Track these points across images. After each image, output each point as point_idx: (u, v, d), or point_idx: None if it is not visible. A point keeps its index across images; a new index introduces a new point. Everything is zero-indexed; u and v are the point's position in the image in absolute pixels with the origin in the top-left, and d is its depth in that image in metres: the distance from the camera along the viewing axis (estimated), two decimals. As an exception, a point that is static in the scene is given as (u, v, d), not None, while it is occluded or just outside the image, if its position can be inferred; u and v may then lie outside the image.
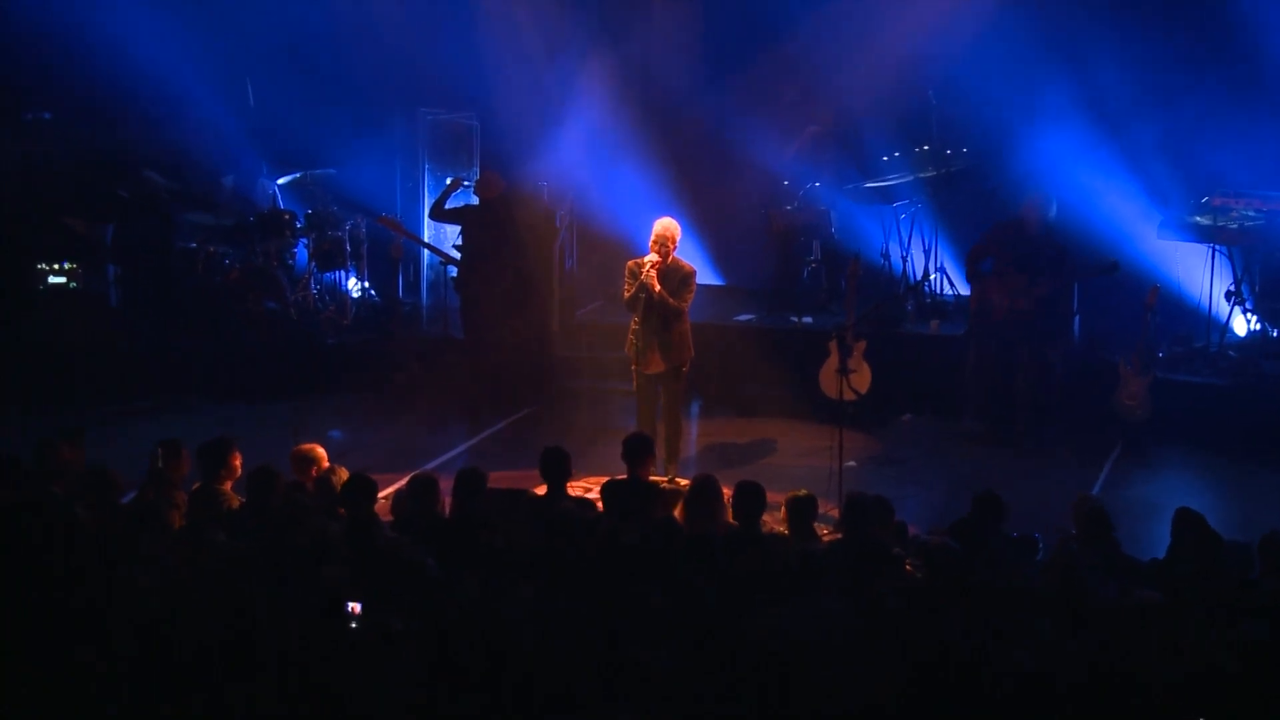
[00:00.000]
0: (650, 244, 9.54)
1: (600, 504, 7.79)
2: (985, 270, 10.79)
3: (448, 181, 12.40)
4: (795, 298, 12.70)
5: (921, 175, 12.72)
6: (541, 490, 7.80)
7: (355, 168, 13.86)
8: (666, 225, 9.56)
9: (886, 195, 12.80)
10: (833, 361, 10.32)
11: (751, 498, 7.08)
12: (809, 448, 10.62)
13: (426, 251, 13.36)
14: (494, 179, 11.97)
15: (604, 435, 10.51)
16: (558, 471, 7.68)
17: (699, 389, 12.04)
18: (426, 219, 12.94)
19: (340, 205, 13.57)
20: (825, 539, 7.58)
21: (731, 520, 7.20)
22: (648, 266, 9.45)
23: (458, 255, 12.07)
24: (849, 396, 9.80)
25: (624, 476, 7.98)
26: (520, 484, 8.72)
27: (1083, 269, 10.70)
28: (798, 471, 10.00)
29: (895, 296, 12.36)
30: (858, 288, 10.85)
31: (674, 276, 9.55)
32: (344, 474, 7.39)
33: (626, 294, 9.60)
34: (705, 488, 7.26)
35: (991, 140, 12.59)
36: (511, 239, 11.93)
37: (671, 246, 9.54)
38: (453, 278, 12.16)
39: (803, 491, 7.23)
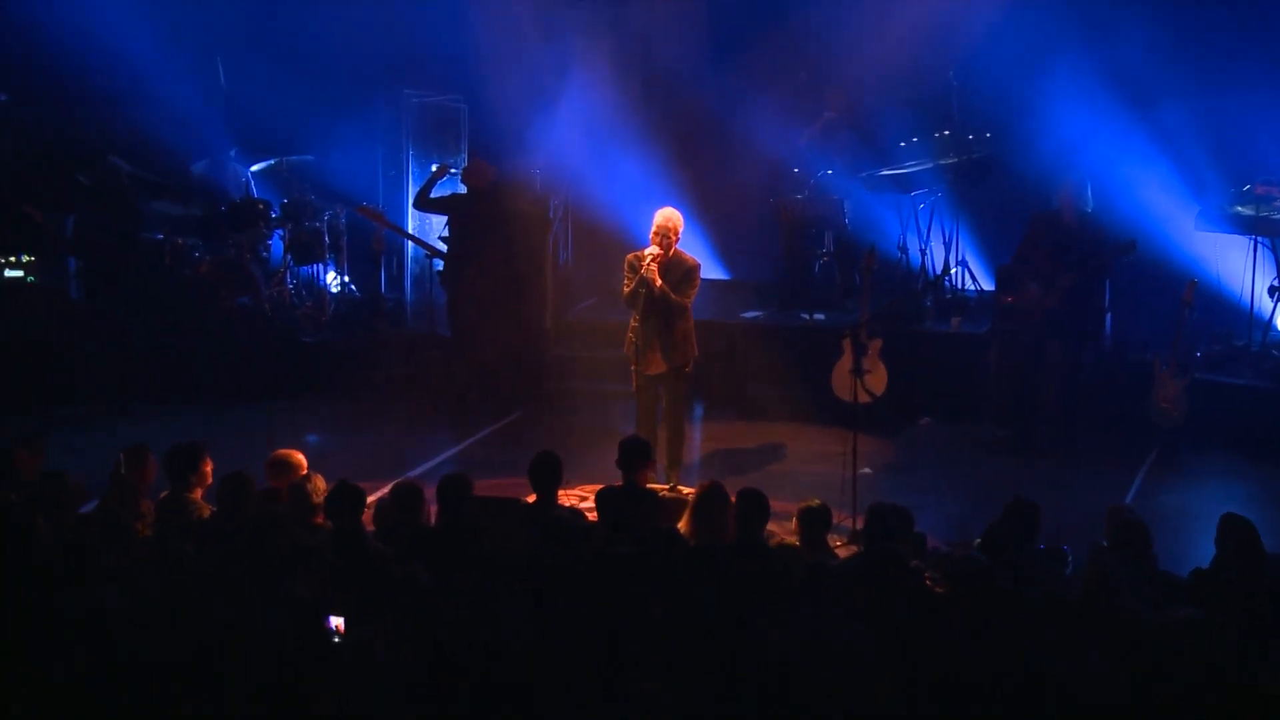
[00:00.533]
0: (651, 235, 9.54)
1: (595, 514, 7.77)
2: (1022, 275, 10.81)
3: (433, 169, 12.41)
4: (806, 293, 12.70)
5: (941, 162, 12.72)
6: (532, 499, 7.79)
7: (334, 154, 13.85)
8: (668, 215, 9.56)
9: (904, 183, 12.79)
10: (846, 361, 10.30)
11: (753, 506, 7.08)
12: (820, 454, 10.62)
13: (411, 244, 13.37)
14: (483, 166, 11.97)
15: (600, 440, 10.50)
16: (549, 479, 7.67)
17: (702, 391, 12.02)
18: (411, 209, 12.94)
19: (318, 194, 13.56)
20: (839, 552, 7.57)
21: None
22: (648, 260, 9.45)
23: (444, 248, 12.07)
24: (863, 399, 9.79)
25: (620, 484, 7.97)
26: (509, 492, 8.71)
27: (1099, 252, 10.70)
28: (808, 479, 9.99)
29: (913, 292, 12.35)
30: (873, 282, 10.84)
31: (676, 270, 9.55)
32: (320, 482, 7.38)
33: (626, 289, 9.60)
34: (713, 496, 7.26)
35: (1016, 124, 12.59)
36: (502, 230, 11.92)
37: (674, 238, 9.54)
38: (439, 272, 12.16)
39: (816, 501, 7.22)
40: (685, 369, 9.77)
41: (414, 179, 13.46)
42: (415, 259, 13.52)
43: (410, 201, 13.14)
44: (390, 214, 13.33)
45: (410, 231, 13.17)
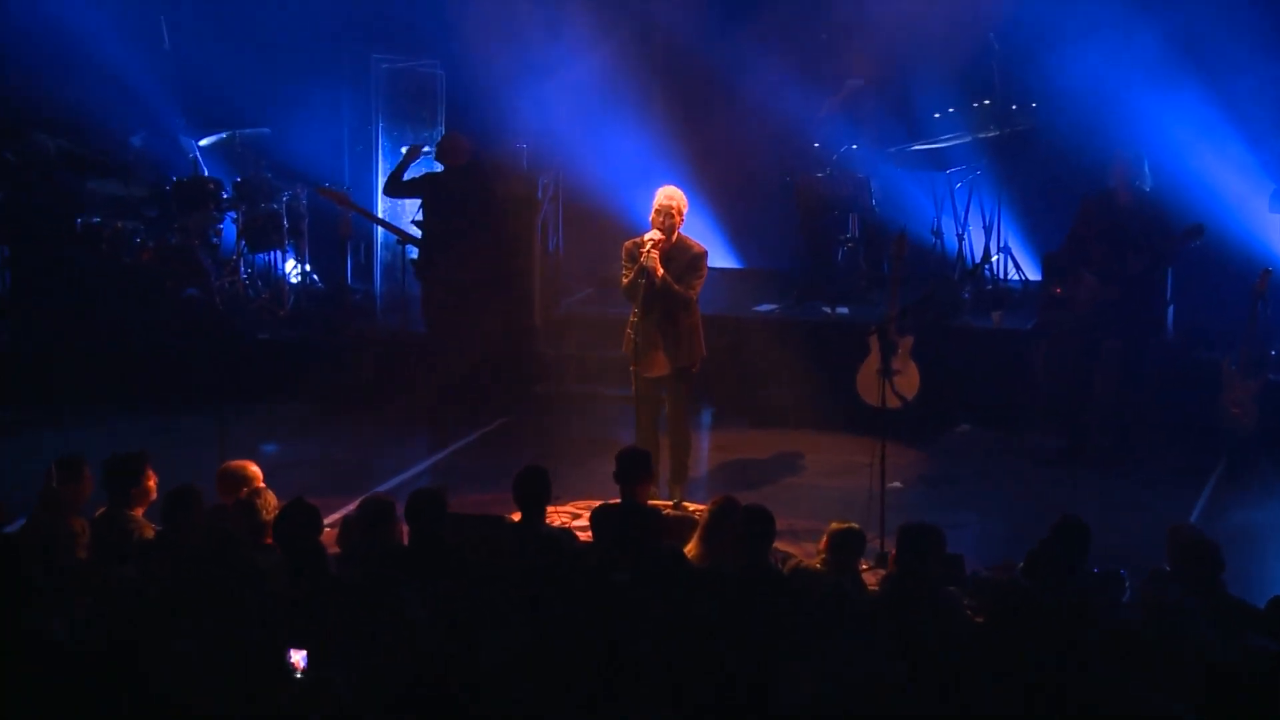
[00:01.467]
0: (651, 218, 9.54)
1: (589, 534, 7.78)
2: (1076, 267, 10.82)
3: (404, 150, 12.41)
4: (827, 284, 12.71)
5: (981, 136, 12.72)
6: (517, 517, 7.79)
7: (294, 126, 13.84)
8: (670, 195, 9.56)
9: (939, 160, 12.79)
10: (873, 361, 10.30)
11: (757, 525, 7.07)
12: (844, 465, 10.62)
13: (381, 230, 13.37)
14: (460, 141, 11.97)
15: (595, 451, 10.50)
16: (536, 495, 7.66)
17: (710, 395, 12.02)
18: (381, 195, 12.94)
19: (275, 172, 13.56)
20: (865, 577, 7.57)
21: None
22: (648, 246, 9.45)
23: (418, 234, 12.07)
24: (893, 403, 9.78)
25: (618, 500, 7.97)
26: (492, 509, 8.71)
27: (1162, 237, 10.69)
28: (830, 494, 9.99)
29: (949, 282, 12.35)
30: (903, 272, 10.84)
31: (680, 258, 9.55)
32: (270, 498, 7.38)
33: (624, 280, 9.60)
34: (728, 515, 7.26)
35: (1065, 94, 12.58)
36: (483, 214, 11.92)
37: (677, 221, 9.54)
38: (413, 261, 12.16)
39: (850, 524, 7.21)
40: (691, 370, 9.77)
41: (384, 155, 13.46)
42: (386, 246, 13.52)
43: (380, 185, 13.14)
44: (357, 195, 13.34)
45: (380, 216, 13.18)
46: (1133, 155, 10.76)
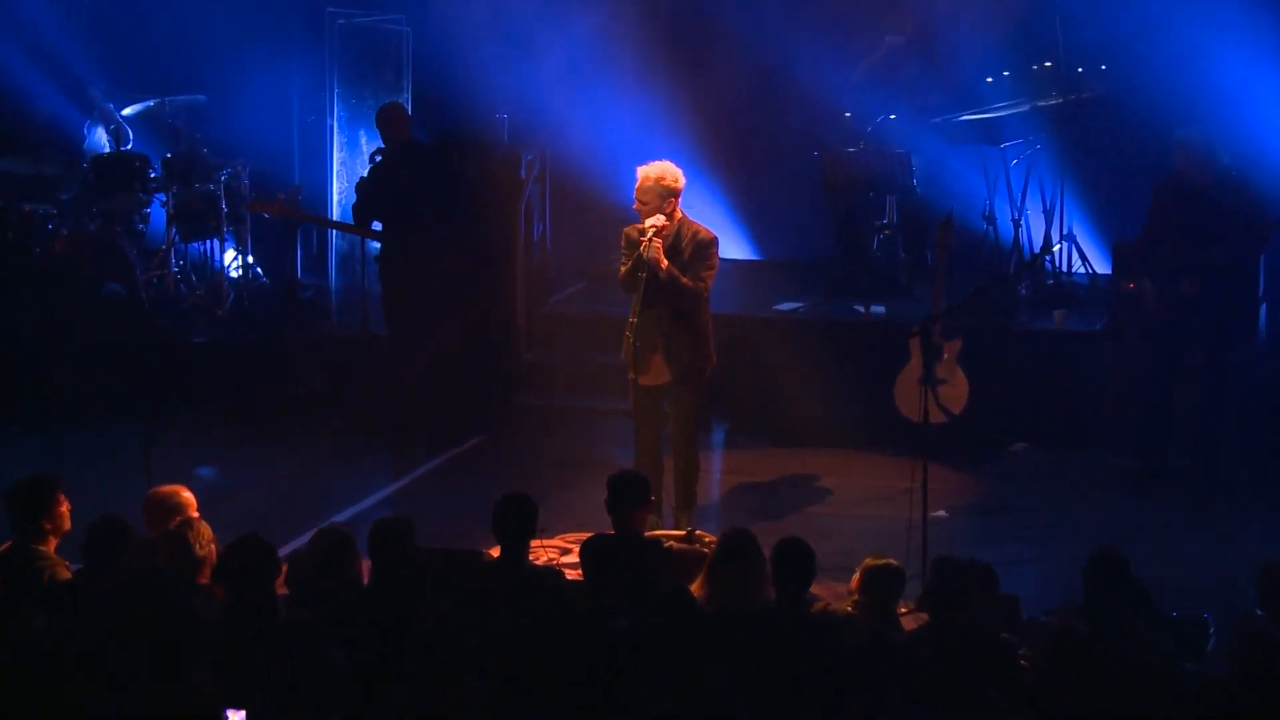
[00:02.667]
0: (635, 200, 9.52)
1: (579, 571, 7.78)
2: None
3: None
4: (861, 278, 12.71)
5: (1041, 103, 12.73)
6: (496, 553, 7.80)
7: (235, 92, 13.86)
8: (659, 171, 9.52)
9: (992, 132, 12.80)
10: (914, 369, 10.29)
11: (795, 562, 7.07)
12: (879, 491, 10.63)
13: (337, 216, 13.39)
14: (395, 111, 11.89)
15: (587, 474, 10.49)
16: (518, 526, 7.66)
17: (723, 408, 12.04)
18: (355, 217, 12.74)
19: (213, 146, 13.57)
20: (905, 621, 7.57)
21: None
22: (651, 233, 9.45)
23: (379, 227, 12.03)
24: (937, 418, 9.78)
25: (614, 532, 7.97)
26: (466, 543, 8.67)
27: (1251, 223, 10.68)
28: (863, 525, 9.99)
29: (1004, 276, 12.35)
30: (950, 263, 10.84)
31: (686, 245, 9.55)
32: (205, 530, 7.37)
33: (622, 273, 9.61)
34: (739, 548, 7.25)
35: (1142, 54, 12.59)
36: (452, 197, 11.92)
37: (673, 201, 9.51)
38: (375, 256, 12.13)
39: (887, 560, 7.21)
40: (700, 379, 9.76)
41: (340, 126, 13.48)
42: (343, 236, 13.52)
43: (334, 163, 13.15)
44: (309, 176, 13.39)
45: (335, 219, 13.17)
46: (1195, 134, 10.68)
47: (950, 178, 13.01)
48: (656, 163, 9.55)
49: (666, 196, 9.48)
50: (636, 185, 9.49)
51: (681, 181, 9.57)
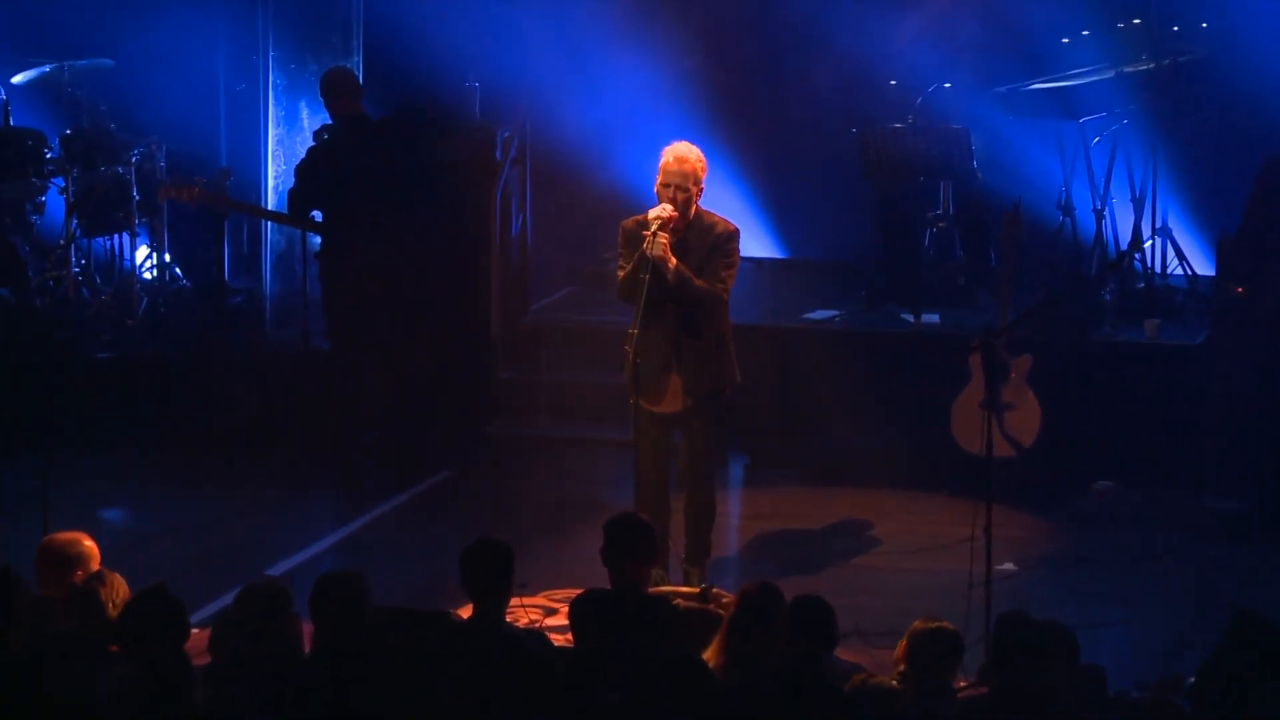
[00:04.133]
0: (657, 188, 9.53)
1: (568, 636, 7.77)
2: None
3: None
4: (908, 281, 12.72)
5: (1129, 69, 12.73)
6: (467, 612, 7.79)
7: (148, 56, 13.85)
8: (683, 155, 9.54)
9: (1068, 104, 12.80)
10: (975, 391, 10.29)
11: (811, 622, 7.06)
12: (932, 539, 10.63)
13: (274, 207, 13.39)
14: (343, 78, 11.85)
15: (576, 518, 10.50)
16: (494, 581, 7.64)
17: (745, 438, 12.04)
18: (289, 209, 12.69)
19: (121, 122, 13.56)
20: (961, 695, 7.56)
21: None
22: (655, 226, 9.45)
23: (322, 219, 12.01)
24: (1003, 451, 9.77)
25: (610, 587, 7.96)
26: (432, 602, 8.69)
27: None
28: (913, 580, 10.00)
29: (1083, 279, 12.34)
30: (1018, 264, 10.84)
31: (702, 243, 9.55)
32: (119, 585, 7.36)
33: (621, 274, 9.61)
34: (763, 607, 7.24)
35: (1249, 9, 12.61)
36: (413, 183, 11.91)
37: (695, 191, 9.53)
38: (316, 253, 12.11)
39: (941, 623, 7.20)
40: (716, 403, 9.78)
41: (276, 96, 13.46)
42: (280, 228, 13.50)
43: (269, 140, 13.15)
44: (239, 160, 13.38)
45: (270, 209, 13.15)
46: None
47: (1018, 159, 13.00)
48: (689, 148, 9.56)
49: (692, 186, 9.51)
50: (666, 169, 9.48)
51: (706, 170, 9.61)
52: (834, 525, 11.16)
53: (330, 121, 11.88)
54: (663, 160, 9.54)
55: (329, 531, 11.09)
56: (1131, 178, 12.82)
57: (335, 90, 11.82)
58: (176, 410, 12.41)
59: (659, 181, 9.53)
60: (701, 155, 9.61)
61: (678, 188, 9.47)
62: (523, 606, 9.11)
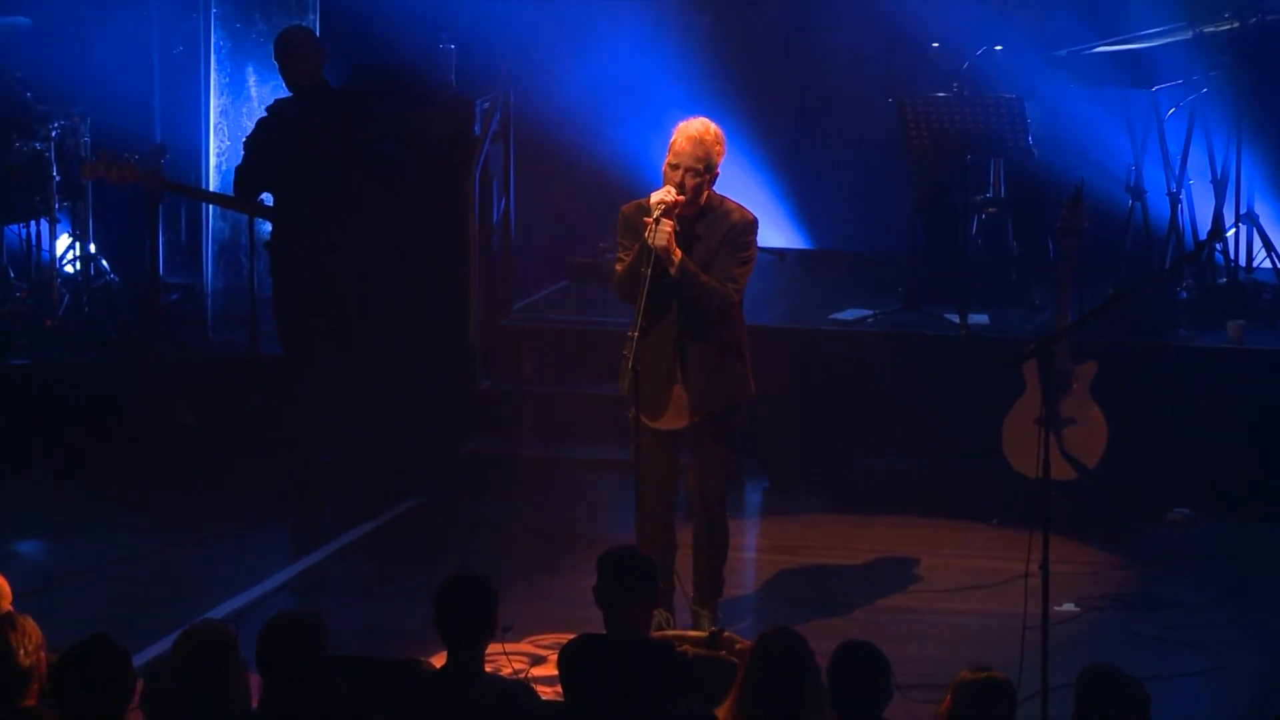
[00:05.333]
0: (664, 169, 9.56)
1: (557, 687, 7.78)
2: None
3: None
4: (953, 276, 12.74)
5: (1210, 29, 12.73)
6: (440, 660, 7.82)
7: (71, 13, 13.86)
8: (697, 132, 9.56)
9: (1139, 69, 12.81)
10: (1031, 404, 10.30)
11: (860, 673, 7.09)
12: (980, 575, 10.67)
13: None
14: (299, 39, 11.82)
15: (567, 552, 10.54)
16: (472, 624, 7.67)
17: (763, 458, 12.09)
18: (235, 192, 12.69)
19: (38, 91, 13.58)
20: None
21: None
22: (658, 212, 9.47)
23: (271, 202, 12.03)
24: (1063, 474, 9.79)
25: (605, 632, 7.99)
26: (397, 648, 8.72)
27: None
28: (957, 623, 10.03)
29: (1155, 274, 12.36)
30: (1080, 256, 10.85)
31: (714, 232, 9.57)
32: (32, 630, 7.38)
33: (619, 268, 9.63)
34: (783, 654, 7.26)
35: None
36: (379, 162, 11.94)
37: (709, 175, 9.56)
38: (266, 243, 12.13)
39: (990, 673, 7.22)
40: (729, 418, 9.78)
41: (220, 60, 13.48)
42: (224, 214, 13.53)
43: (211, 112, 13.18)
44: (176, 134, 13.41)
45: (213, 191, 13.18)
46: None
47: (1080, 134, 13.03)
48: (705, 123, 9.55)
49: (704, 171, 9.51)
50: (676, 148, 9.48)
51: (724, 150, 9.62)
52: (866, 560, 11.20)
53: (285, 90, 11.86)
54: (673, 137, 9.56)
55: (280, 567, 11.10)
56: (1212, 156, 12.85)
57: (292, 53, 11.78)
58: (102, 426, 12.43)
59: (667, 161, 9.54)
60: (721, 134, 9.61)
61: (689, 170, 9.47)
62: (505, 654, 9.11)
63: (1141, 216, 12.84)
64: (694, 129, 9.54)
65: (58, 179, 13.32)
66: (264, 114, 11.89)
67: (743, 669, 7.48)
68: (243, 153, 11.90)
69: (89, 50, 13.92)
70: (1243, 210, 12.86)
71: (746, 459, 11.55)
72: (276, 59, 11.85)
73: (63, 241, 13.52)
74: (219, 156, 13.47)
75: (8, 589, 7.90)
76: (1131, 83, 12.84)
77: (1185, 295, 12.44)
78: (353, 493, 11.94)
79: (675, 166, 9.48)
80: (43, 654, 7.26)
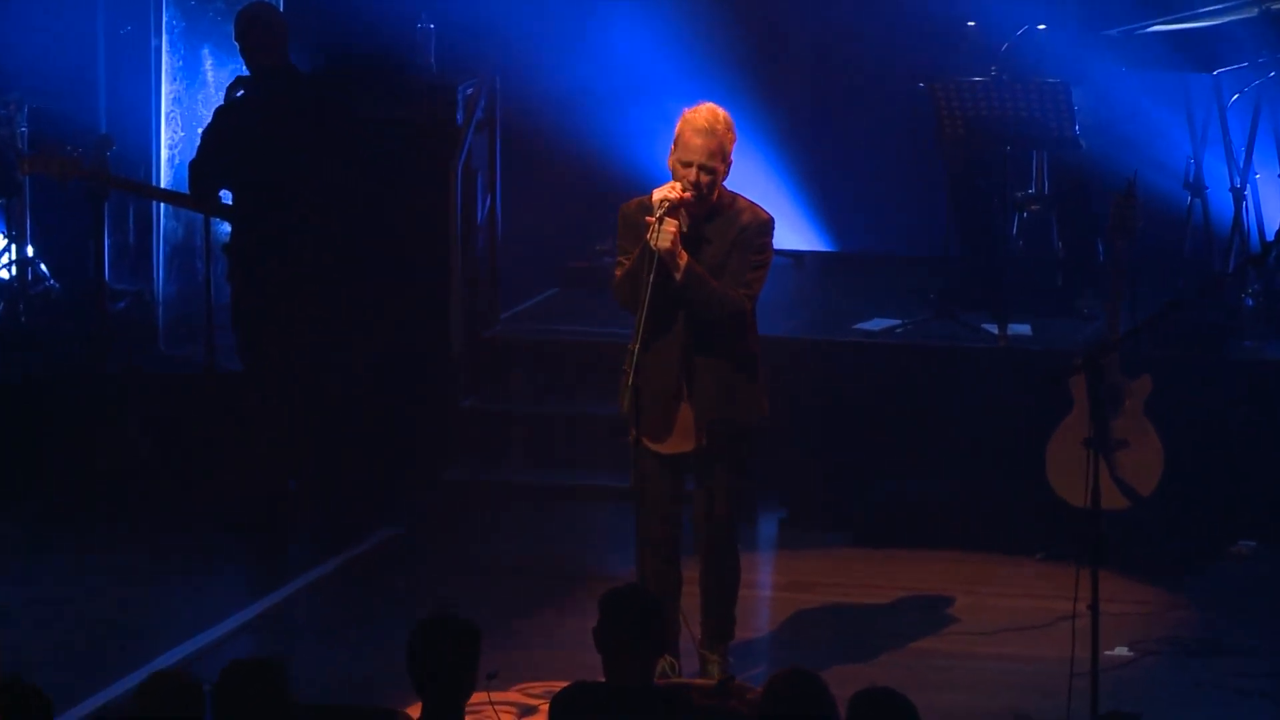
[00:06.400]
0: (670, 162, 9.62)
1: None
2: None
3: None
4: (991, 281, 12.80)
5: (1277, 5, 12.74)
6: (416, 711, 7.88)
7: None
8: (706, 124, 9.58)
9: (1199, 51, 12.84)
10: (1079, 423, 10.36)
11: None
12: (1021, 616, 10.70)
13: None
14: (262, 19, 11.79)
15: (560, 590, 10.58)
16: (451, 669, 7.72)
17: (779, 487, 12.15)
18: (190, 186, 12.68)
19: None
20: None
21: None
22: (661, 211, 9.51)
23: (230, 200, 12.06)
24: (1114, 502, 9.84)
25: (604, 679, 8.05)
26: (369, 697, 8.78)
27: None
28: (997, 668, 10.05)
29: (1215, 279, 12.40)
30: (1132, 259, 10.91)
31: (725, 233, 9.60)
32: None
33: (619, 273, 9.68)
34: (799, 699, 7.32)
35: None
36: (350, 155, 12.03)
37: (722, 170, 9.59)
38: (224, 245, 12.16)
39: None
40: (744, 442, 9.85)
41: (173, 42, 13.52)
42: (177, 215, 13.55)
43: (163, 100, 13.23)
44: (124, 124, 13.44)
45: (164, 188, 13.21)
46: None
47: (1133, 123, 13.07)
48: (716, 112, 9.52)
49: (719, 165, 9.51)
50: (683, 141, 9.50)
51: (735, 142, 9.63)
52: (893, 599, 11.24)
53: (245, 74, 11.89)
54: (680, 128, 9.55)
55: (240, 607, 11.11)
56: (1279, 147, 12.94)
57: (255, 33, 11.79)
58: (44, 450, 12.48)
59: (674, 156, 9.54)
60: (730, 120, 9.60)
61: (701, 167, 9.44)
62: (491, 704, 9.14)
63: (1201, 214, 12.93)
64: (702, 119, 9.50)
65: (-5, 176, 13.43)
66: (221, 101, 11.92)
67: (758, 713, 7.56)
68: (198, 144, 11.93)
69: (26, 29, 13.92)
70: (1315, 209, 12.95)
71: (760, 486, 11.61)
72: (237, 38, 11.87)
73: (-2, 245, 13.61)
74: (171, 149, 13.49)
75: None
76: (1191, 66, 12.89)
77: (1251, 302, 12.47)
78: (320, 524, 11.99)
79: (688, 164, 9.44)
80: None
